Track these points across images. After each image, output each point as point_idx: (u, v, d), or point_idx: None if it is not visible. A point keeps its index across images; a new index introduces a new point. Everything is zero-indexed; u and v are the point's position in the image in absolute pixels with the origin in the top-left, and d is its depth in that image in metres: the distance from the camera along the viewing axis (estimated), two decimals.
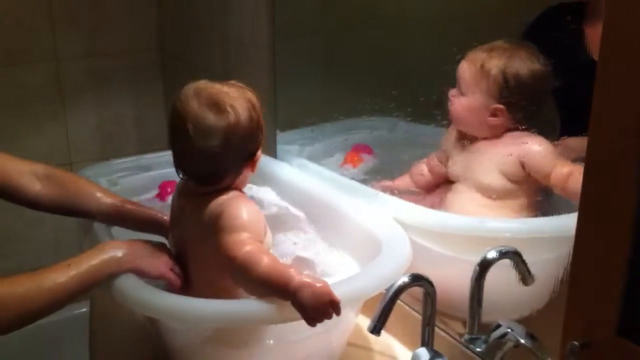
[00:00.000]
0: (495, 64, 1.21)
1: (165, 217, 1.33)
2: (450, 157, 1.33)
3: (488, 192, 1.23)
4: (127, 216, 1.33)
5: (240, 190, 1.20)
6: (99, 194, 1.33)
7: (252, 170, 1.20)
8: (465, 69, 1.26)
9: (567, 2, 1.18)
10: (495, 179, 1.22)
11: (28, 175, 1.29)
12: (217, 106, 1.11)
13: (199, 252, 1.17)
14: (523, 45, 1.22)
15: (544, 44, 1.17)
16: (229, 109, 1.11)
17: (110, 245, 1.14)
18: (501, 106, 1.21)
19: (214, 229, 1.10)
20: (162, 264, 1.16)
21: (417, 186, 1.39)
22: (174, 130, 1.15)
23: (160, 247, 1.21)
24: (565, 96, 1.16)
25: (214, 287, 1.14)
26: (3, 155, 1.29)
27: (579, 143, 1.13)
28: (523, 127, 1.21)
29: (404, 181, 1.40)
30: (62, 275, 1.07)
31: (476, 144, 1.27)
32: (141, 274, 1.13)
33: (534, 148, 1.19)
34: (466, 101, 1.26)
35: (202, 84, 1.15)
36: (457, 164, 1.31)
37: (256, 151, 1.18)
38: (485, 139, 1.25)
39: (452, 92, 1.28)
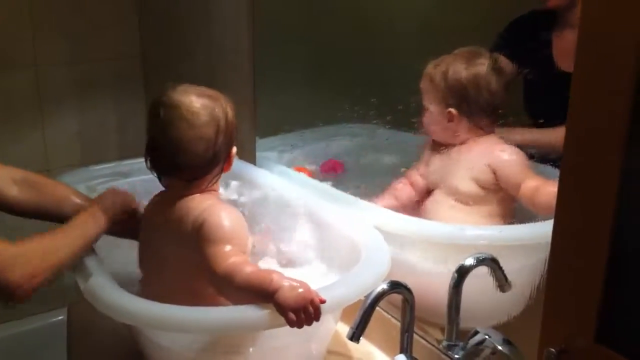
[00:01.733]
0: (439, 71, 1.27)
1: (136, 224, 1.32)
2: (428, 165, 1.34)
3: (462, 199, 1.25)
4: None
5: (216, 192, 1.22)
6: (76, 200, 1.33)
7: (227, 170, 1.23)
8: (422, 85, 1.31)
9: (538, 10, 1.20)
10: (467, 186, 1.24)
11: (5, 179, 1.28)
12: (208, 96, 1.17)
13: (179, 260, 1.17)
14: (470, 50, 1.26)
15: (514, 52, 1.19)
16: (217, 100, 1.17)
17: (83, 215, 1.22)
18: (452, 110, 1.26)
19: (196, 237, 1.11)
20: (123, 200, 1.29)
21: (400, 203, 1.39)
22: (156, 121, 1.16)
23: (111, 192, 1.31)
24: (535, 103, 1.19)
25: (193, 295, 1.14)
26: None
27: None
28: (489, 130, 1.25)
29: (385, 201, 1.40)
30: (65, 237, 1.18)
31: (450, 151, 1.30)
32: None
33: (504, 157, 1.22)
34: (428, 112, 1.30)
35: (184, 84, 1.19)
36: (434, 172, 1.32)
37: (232, 148, 1.21)
38: (459, 144, 1.28)
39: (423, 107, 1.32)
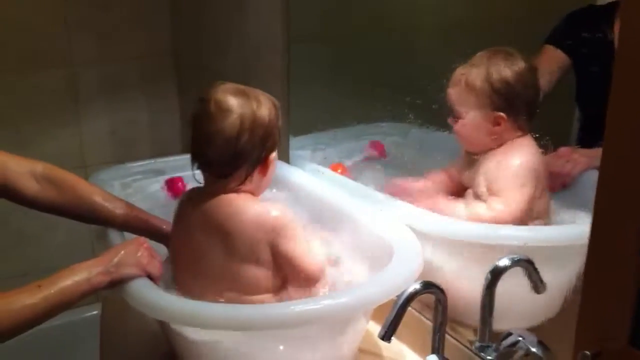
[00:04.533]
0: (478, 75, 1.23)
1: (163, 225, 1.34)
2: (463, 163, 1.33)
3: (480, 199, 1.24)
4: (124, 223, 1.33)
5: (255, 195, 1.22)
6: (97, 199, 1.32)
7: (265, 175, 1.21)
8: (453, 93, 1.27)
9: (596, 5, 1.18)
10: (483, 192, 1.23)
11: (26, 175, 1.28)
12: (241, 94, 1.17)
13: (214, 260, 1.17)
14: (498, 51, 1.23)
15: (568, 48, 1.17)
16: (251, 98, 1.17)
17: (80, 266, 1.13)
18: (501, 113, 1.22)
19: (265, 237, 1.14)
20: (136, 263, 1.15)
21: (434, 186, 1.38)
22: (196, 115, 1.17)
23: (135, 243, 1.19)
24: (589, 96, 1.16)
25: (224, 293, 1.16)
26: (1, 154, 1.27)
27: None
28: (526, 132, 1.22)
29: (419, 183, 1.40)
30: (31, 297, 1.06)
31: (487, 153, 1.27)
32: (120, 283, 1.13)
33: (501, 166, 1.21)
34: (466, 122, 1.26)
35: (230, 83, 1.20)
36: (467, 172, 1.31)
37: (270, 153, 1.20)
38: (496, 147, 1.25)
39: (450, 120, 1.29)
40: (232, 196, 1.18)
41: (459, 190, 1.34)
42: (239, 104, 1.15)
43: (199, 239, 1.19)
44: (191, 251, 1.21)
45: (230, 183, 1.18)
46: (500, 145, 1.24)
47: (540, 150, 1.21)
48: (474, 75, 1.23)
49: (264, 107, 1.17)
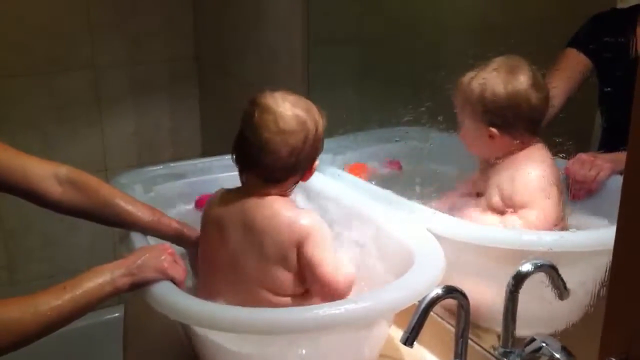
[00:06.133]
0: (476, 87, 1.22)
1: (187, 230, 1.35)
2: (479, 173, 1.34)
3: (495, 211, 1.24)
4: (147, 227, 1.33)
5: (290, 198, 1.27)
6: (120, 203, 1.32)
7: (305, 180, 1.27)
8: (456, 96, 1.27)
9: (618, 8, 1.17)
10: (496, 201, 1.22)
11: (50, 179, 1.28)
12: (304, 107, 1.22)
13: (249, 260, 1.20)
14: (507, 63, 1.22)
15: (591, 51, 1.16)
16: (313, 112, 1.23)
17: (104, 268, 1.13)
18: (493, 129, 1.22)
19: (298, 242, 1.17)
20: (159, 268, 1.15)
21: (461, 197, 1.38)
22: (253, 121, 1.19)
23: (159, 248, 1.21)
24: (611, 101, 1.15)
25: (255, 291, 1.20)
26: (25, 157, 1.28)
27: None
28: (533, 141, 1.22)
29: (449, 197, 1.40)
30: (57, 299, 1.06)
31: (496, 161, 1.27)
32: (142, 285, 1.13)
33: (517, 178, 1.20)
34: (464, 128, 1.27)
35: (283, 91, 1.23)
36: (480, 178, 1.32)
37: (316, 160, 1.26)
38: (504, 156, 1.25)
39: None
40: (270, 199, 1.21)
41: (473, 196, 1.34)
42: (301, 117, 1.19)
43: (235, 238, 1.21)
44: (226, 250, 1.23)
45: (278, 188, 1.22)
46: (509, 154, 1.24)
47: (552, 157, 1.21)
48: (472, 87, 1.23)
49: (322, 121, 1.23)
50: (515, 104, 1.20)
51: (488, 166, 1.29)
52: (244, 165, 1.23)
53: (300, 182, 1.27)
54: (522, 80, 1.20)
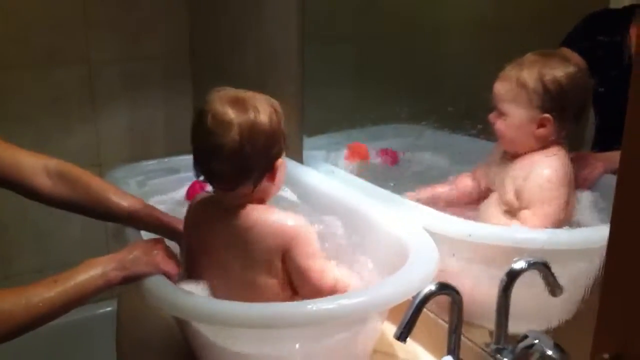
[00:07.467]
0: (530, 74, 1.21)
1: (177, 224, 1.33)
2: (490, 165, 1.33)
3: (509, 209, 1.23)
4: (138, 221, 1.33)
5: (264, 203, 1.20)
6: (111, 197, 1.31)
7: (273, 181, 1.18)
8: (501, 89, 1.25)
9: (611, 8, 1.18)
10: (510, 198, 1.22)
11: (40, 172, 1.28)
12: (238, 103, 1.12)
13: (233, 272, 1.17)
14: (552, 53, 1.22)
15: (585, 51, 1.17)
16: (249, 107, 1.12)
17: (96, 261, 1.13)
18: (547, 115, 1.20)
19: (282, 249, 1.13)
20: (152, 262, 1.15)
21: (458, 192, 1.38)
22: (195, 128, 1.14)
23: (152, 242, 1.21)
24: (604, 101, 1.16)
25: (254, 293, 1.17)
26: (16, 150, 1.28)
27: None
28: (563, 140, 1.21)
29: (443, 188, 1.39)
30: (49, 291, 1.06)
31: (514, 158, 1.26)
32: (135, 279, 1.13)
33: (532, 175, 1.20)
34: (510, 120, 1.25)
35: (229, 88, 1.17)
36: (494, 174, 1.31)
37: (277, 158, 1.17)
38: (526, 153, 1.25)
39: (492, 116, 1.27)
40: (248, 209, 1.16)
41: (484, 196, 1.34)
42: (237, 115, 1.10)
43: (218, 251, 1.18)
44: (209, 259, 1.21)
45: (239, 193, 1.16)
46: (537, 149, 1.23)
47: (569, 158, 1.21)
48: (527, 74, 1.21)
49: (263, 113, 1.12)
50: (573, 87, 1.18)
51: (506, 161, 1.28)
52: (198, 176, 1.18)
53: (274, 183, 1.19)
54: (576, 66, 1.19)
